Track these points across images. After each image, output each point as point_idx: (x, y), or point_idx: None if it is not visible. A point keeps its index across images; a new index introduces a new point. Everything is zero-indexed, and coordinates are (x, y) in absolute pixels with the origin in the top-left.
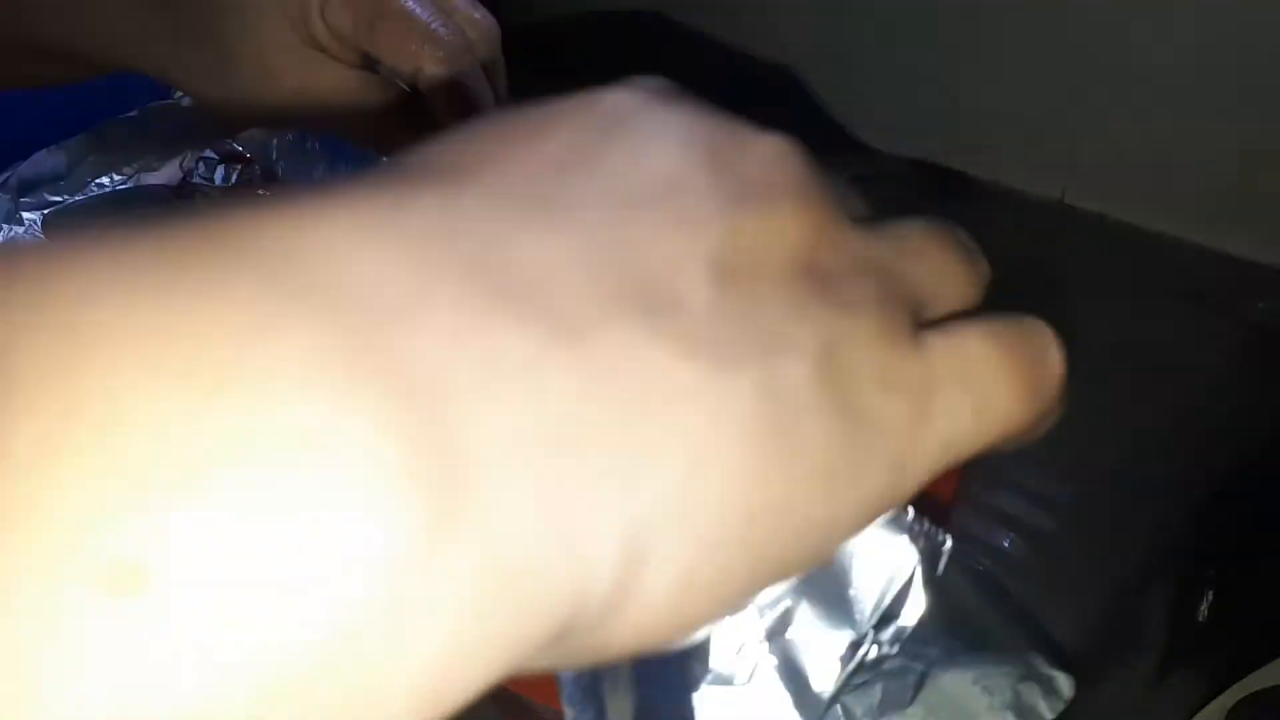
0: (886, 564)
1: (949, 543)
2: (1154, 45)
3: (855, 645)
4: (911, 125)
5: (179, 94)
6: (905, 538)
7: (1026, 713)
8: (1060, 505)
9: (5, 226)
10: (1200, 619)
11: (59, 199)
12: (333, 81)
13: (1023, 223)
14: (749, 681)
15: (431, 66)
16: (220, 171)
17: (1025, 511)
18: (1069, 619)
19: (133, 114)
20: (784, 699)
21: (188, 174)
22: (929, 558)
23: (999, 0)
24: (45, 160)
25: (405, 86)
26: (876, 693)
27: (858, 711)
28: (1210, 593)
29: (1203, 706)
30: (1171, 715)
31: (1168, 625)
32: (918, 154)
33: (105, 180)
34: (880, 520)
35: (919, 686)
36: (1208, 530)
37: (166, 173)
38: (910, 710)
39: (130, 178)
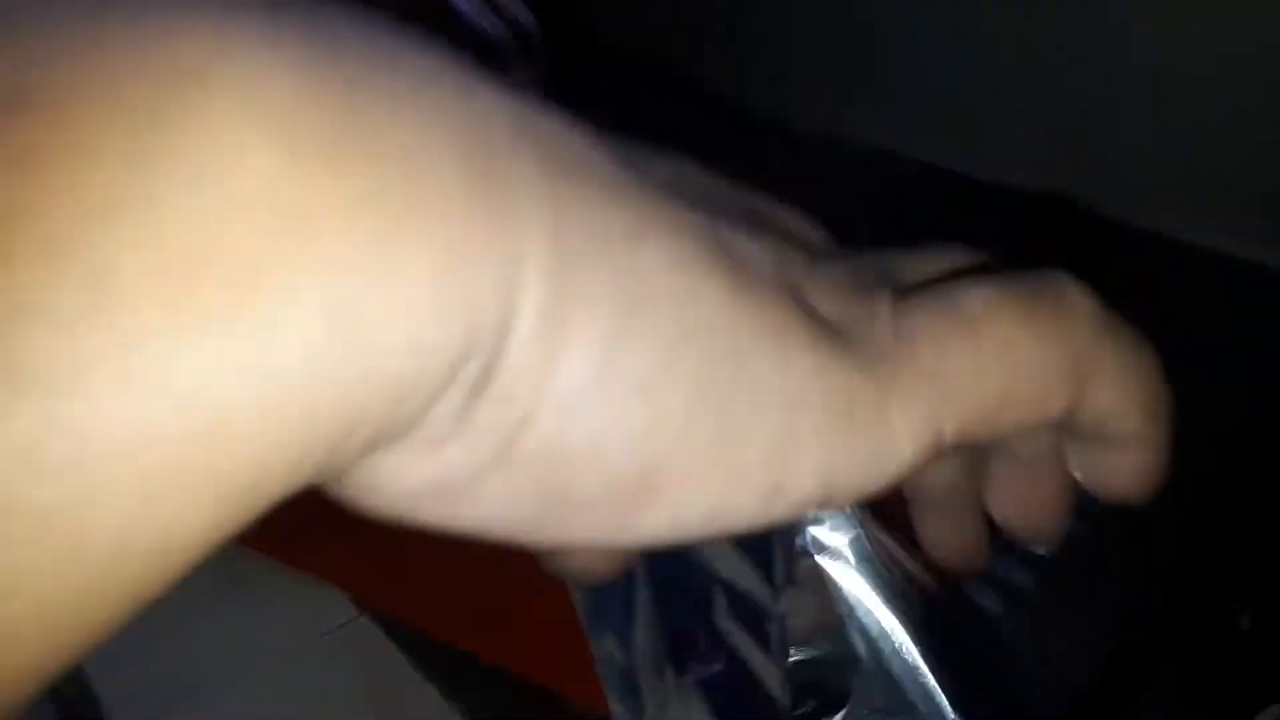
0: None
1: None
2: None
3: None
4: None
5: None
6: None
7: None
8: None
9: None
10: (1241, 629)
11: None
12: None
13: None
14: None
15: None
16: None
17: None
18: (1093, 629)
19: None
20: None
21: None
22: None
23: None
24: None
25: None
26: None
27: None
28: (1249, 608)
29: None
30: None
31: (1205, 635)
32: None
33: None
34: None
35: None
36: (1243, 541)
37: None
38: None
39: None
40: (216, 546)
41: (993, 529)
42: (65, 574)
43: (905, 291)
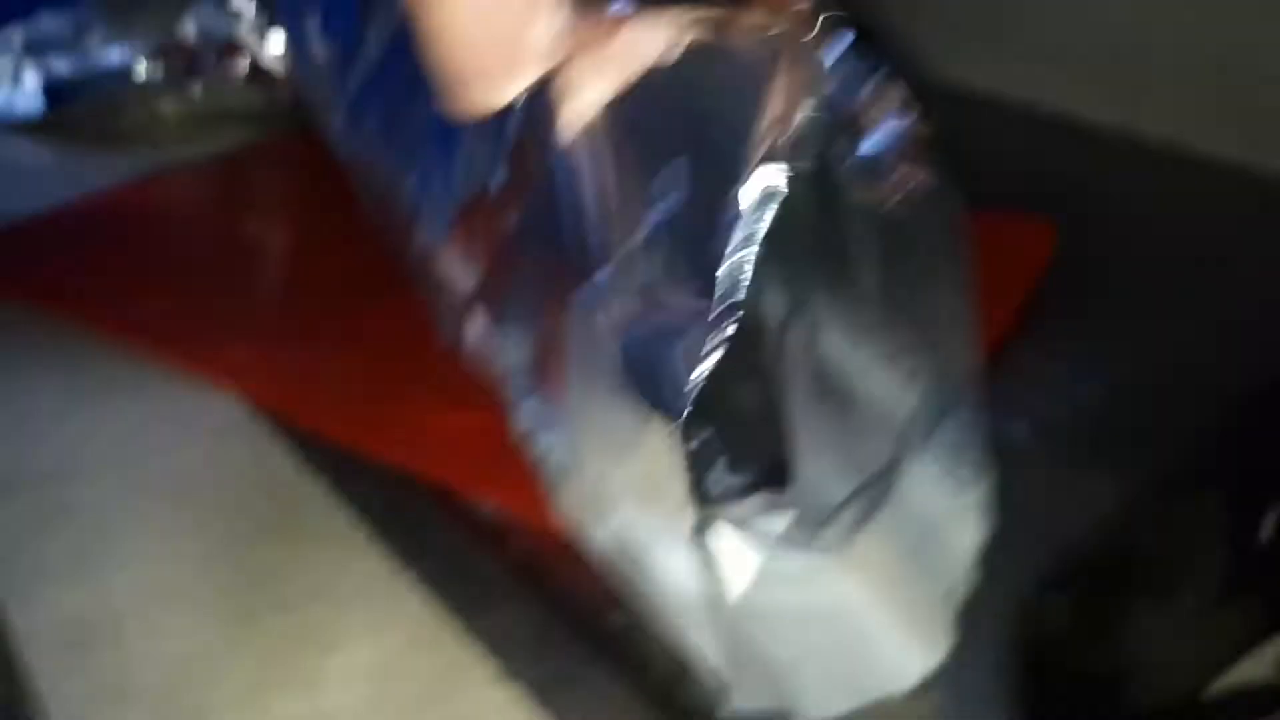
0: None
1: None
2: None
3: None
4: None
5: None
6: None
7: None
8: (1091, 402)
9: (5, 85)
10: (1262, 542)
11: (65, 66)
12: None
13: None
14: None
15: None
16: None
17: (1052, 403)
18: (1093, 528)
19: None
20: None
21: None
22: None
23: None
24: (50, 22)
25: None
26: (849, 511)
27: (831, 536)
28: (1275, 515)
29: (1262, 640)
30: (1227, 648)
31: (1222, 546)
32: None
33: (115, 51)
34: None
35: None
36: (1266, 443)
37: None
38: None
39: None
40: None
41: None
42: None
43: None
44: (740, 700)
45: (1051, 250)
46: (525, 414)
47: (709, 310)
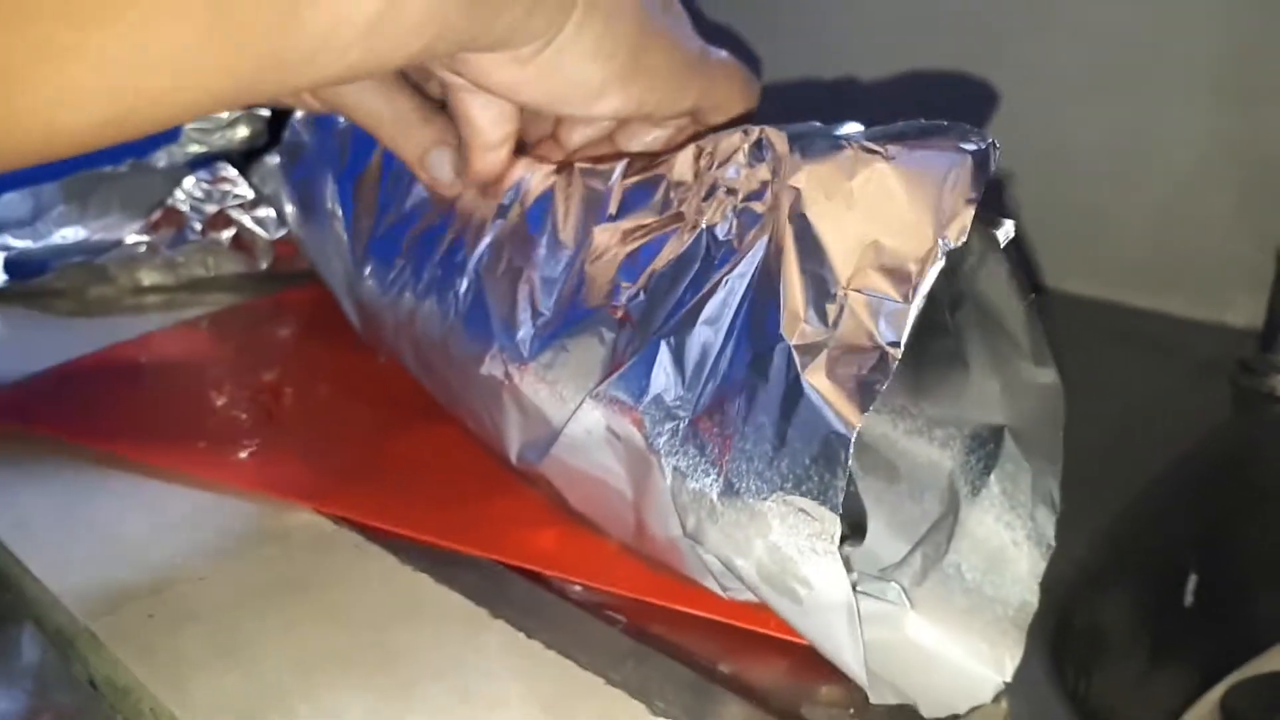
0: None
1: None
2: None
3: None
4: None
5: (154, 155)
6: None
7: (1041, 540)
8: None
9: None
10: (1186, 604)
11: (20, 245)
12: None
13: None
14: None
15: None
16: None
17: None
18: (1047, 606)
19: (105, 169)
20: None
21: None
22: None
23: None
24: (15, 203)
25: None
26: (916, 559)
27: (905, 583)
28: (1194, 578)
29: (1198, 698)
30: (1166, 707)
31: (1154, 614)
32: None
33: (69, 232)
34: None
35: (951, 536)
36: (1185, 518)
37: (130, 231)
38: (949, 559)
39: (94, 233)
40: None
41: None
42: None
43: None
44: (875, 696)
45: None
46: (683, 459)
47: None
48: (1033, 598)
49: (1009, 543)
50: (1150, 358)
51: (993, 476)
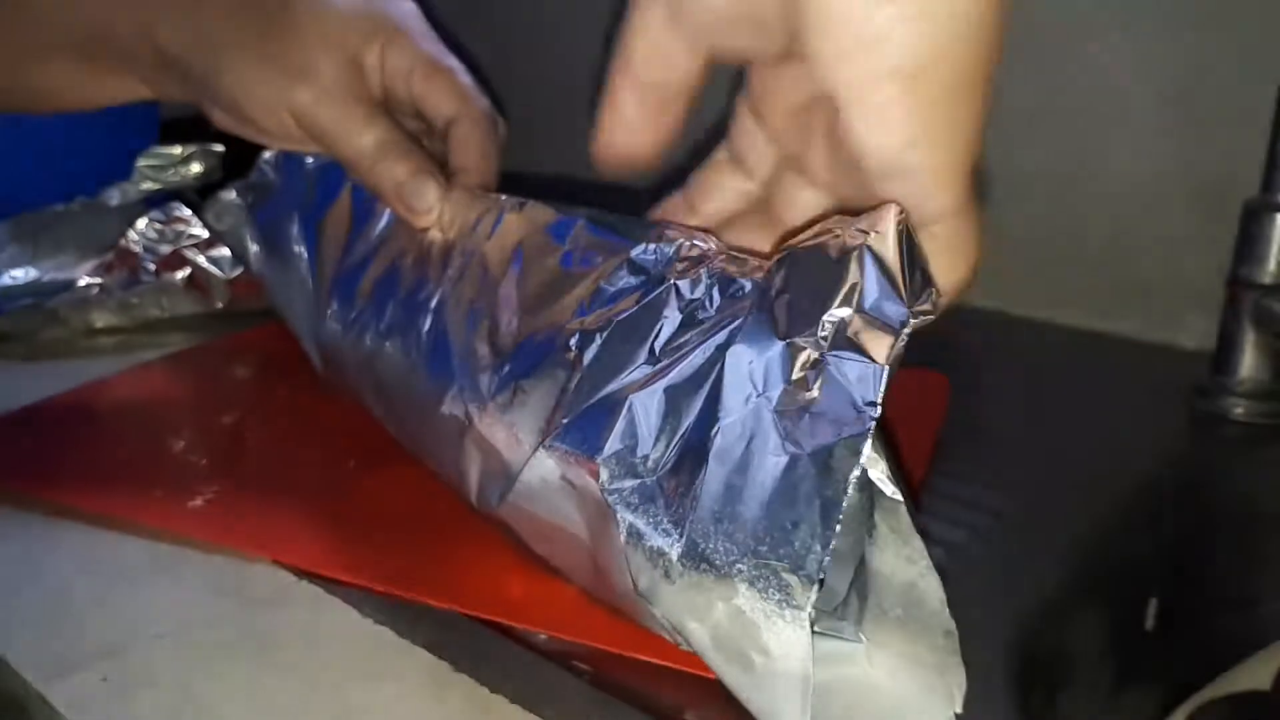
0: None
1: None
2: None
3: None
4: None
5: (107, 193)
6: None
7: (933, 568)
8: (982, 525)
9: None
10: (1148, 630)
11: None
12: (361, 123)
13: None
14: None
15: (468, 120)
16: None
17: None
18: (1010, 632)
19: (57, 208)
20: None
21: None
22: None
23: None
24: None
25: (419, 135)
26: (854, 599)
27: (851, 620)
28: (1155, 601)
29: (1165, 718)
30: None
31: (1116, 638)
32: None
33: (19, 273)
34: None
35: (868, 576)
36: (1145, 541)
37: (82, 272)
38: (872, 600)
39: (44, 274)
40: None
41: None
42: None
43: None
44: None
45: (947, 399)
46: (641, 517)
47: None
48: (952, 626)
49: (916, 577)
50: (1105, 381)
51: (876, 515)
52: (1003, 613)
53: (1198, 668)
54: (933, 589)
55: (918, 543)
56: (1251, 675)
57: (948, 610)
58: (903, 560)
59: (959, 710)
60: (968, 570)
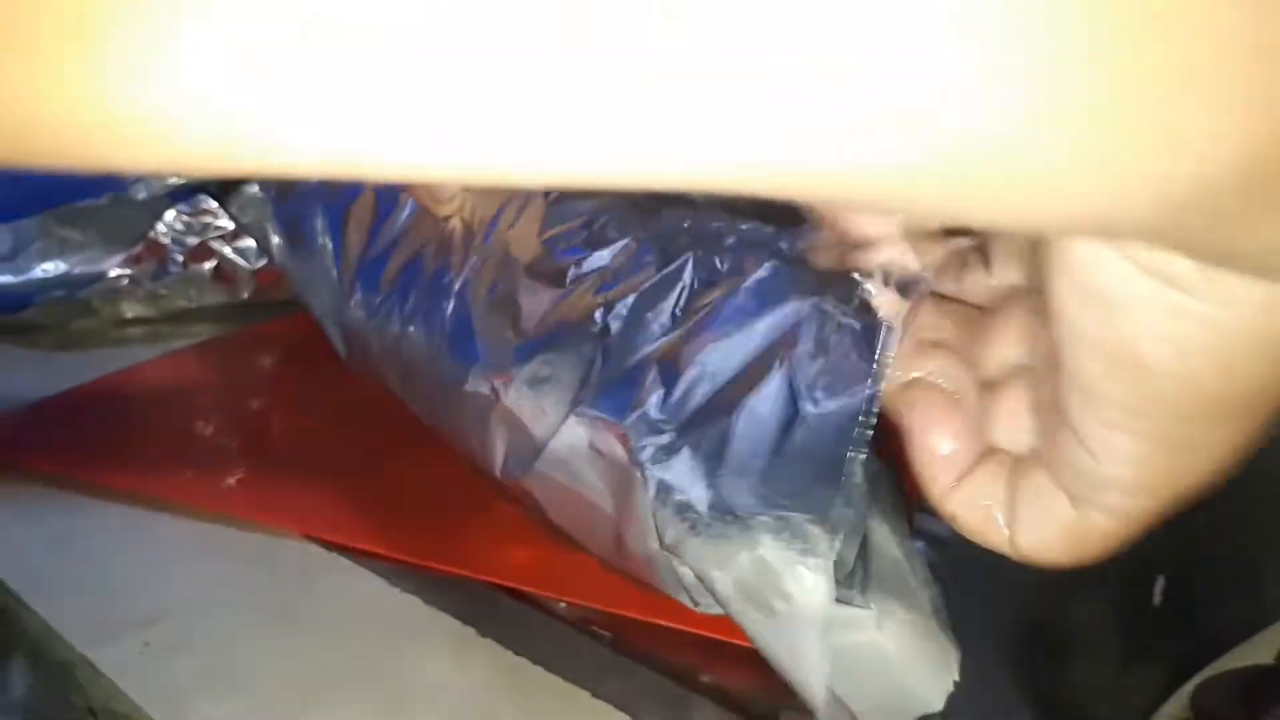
0: None
1: None
2: None
3: None
4: None
5: (134, 187)
6: None
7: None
8: None
9: None
10: (1155, 606)
11: (1, 280)
12: None
13: None
14: None
15: None
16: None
17: None
18: (1014, 606)
19: (86, 202)
20: None
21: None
22: None
23: None
24: None
25: None
26: (859, 568)
27: (859, 588)
28: (1161, 579)
29: (1170, 694)
30: (1139, 705)
31: (1122, 615)
32: None
33: (50, 266)
34: None
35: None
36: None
37: (111, 264)
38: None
39: (74, 266)
40: None
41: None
42: None
43: None
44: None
45: None
46: (668, 472)
47: None
48: (936, 603)
49: (901, 556)
50: None
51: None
52: (1007, 588)
53: (1204, 644)
54: (918, 566)
55: (903, 523)
56: (1256, 651)
57: (937, 586)
58: (897, 539)
59: (957, 679)
60: (971, 546)
